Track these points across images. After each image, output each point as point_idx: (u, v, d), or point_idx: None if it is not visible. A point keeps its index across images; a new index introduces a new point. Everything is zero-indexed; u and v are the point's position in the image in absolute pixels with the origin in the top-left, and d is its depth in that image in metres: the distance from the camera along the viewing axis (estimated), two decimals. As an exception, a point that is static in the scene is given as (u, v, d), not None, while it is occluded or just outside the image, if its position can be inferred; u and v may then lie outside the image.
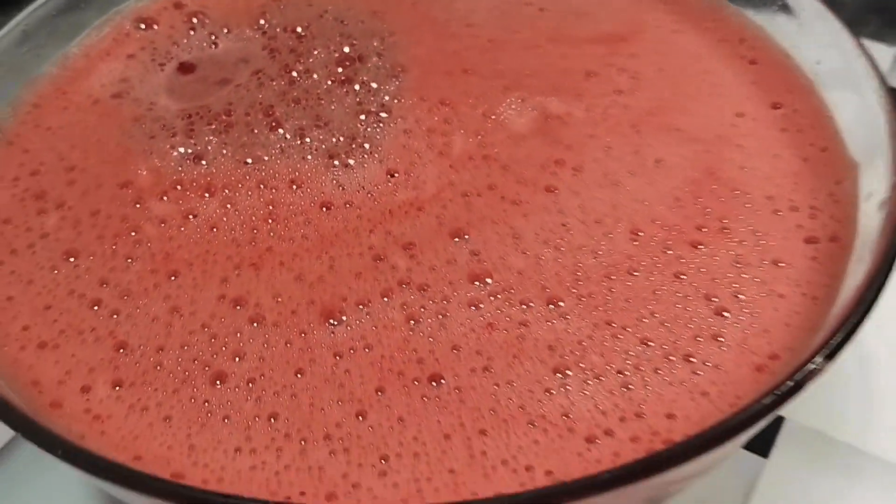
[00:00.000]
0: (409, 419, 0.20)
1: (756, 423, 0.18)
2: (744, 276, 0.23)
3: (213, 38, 0.31)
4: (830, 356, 0.18)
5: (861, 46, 0.25)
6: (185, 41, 0.31)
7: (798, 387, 0.18)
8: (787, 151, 0.26)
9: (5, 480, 0.27)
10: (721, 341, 0.22)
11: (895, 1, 0.44)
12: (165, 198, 0.25)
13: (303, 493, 0.19)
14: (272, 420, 0.21)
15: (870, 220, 0.22)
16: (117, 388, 0.21)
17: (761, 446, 0.28)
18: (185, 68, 0.30)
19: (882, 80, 0.24)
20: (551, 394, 0.21)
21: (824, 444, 0.28)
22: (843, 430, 0.28)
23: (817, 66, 0.27)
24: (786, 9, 0.28)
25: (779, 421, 0.29)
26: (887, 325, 0.30)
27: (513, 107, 0.27)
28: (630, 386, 0.21)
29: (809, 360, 0.18)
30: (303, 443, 0.20)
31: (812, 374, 0.18)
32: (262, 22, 0.31)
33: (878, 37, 0.42)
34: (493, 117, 0.27)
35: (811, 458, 0.28)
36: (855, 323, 0.19)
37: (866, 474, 0.27)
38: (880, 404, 0.29)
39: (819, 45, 0.26)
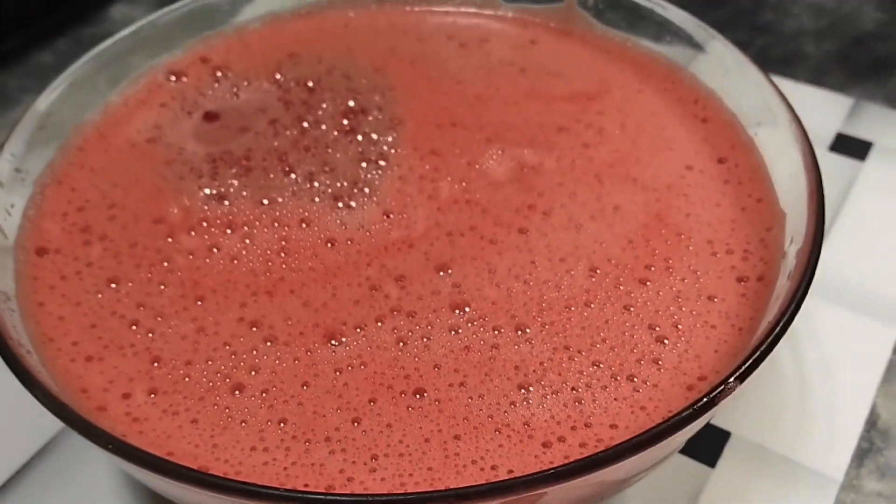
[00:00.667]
0: (396, 425, 0.24)
1: (677, 432, 0.22)
2: (683, 309, 0.27)
3: (235, 89, 0.35)
4: (741, 378, 0.22)
5: (793, 113, 0.29)
6: (210, 92, 0.35)
7: (713, 403, 0.22)
8: (727, 201, 0.30)
9: (47, 475, 0.32)
10: (660, 364, 0.26)
11: (857, 52, 0.49)
12: (193, 233, 0.30)
13: (306, 485, 0.23)
14: (282, 424, 0.25)
15: (790, 263, 0.26)
16: (153, 395, 0.25)
17: (709, 458, 0.32)
18: (210, 116, 0.34)
19: (809, 146, 0.28)
20: (515, 406, 0.25)
21: (763, 456, 0.32)
22: (780, 443, 0.32)
23: (758, 126, 0.31)
24: (734, 76, 0.32)
25: (726, 435, 0.33)
26: (824, 352, 0.35)
27: (493, 157, 0.31)
28: (581, 401, 0.25)
29: (724, 381, 0.22)
30: (307, 443, 0.24)
31: (725, 393, 0.22)
32: (277, 76, 0.35)
33: (839, 87, 0.46)
34: (477, 166, 0.31)
35: (751, 468, 0.32)
36: (764, 351, 0.23)
37: (799, 483, 0.31)
38: (812, 421, 0.33)
39: (759, 109, 0.31)
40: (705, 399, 0.22)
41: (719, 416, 0.33)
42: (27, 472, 0.32)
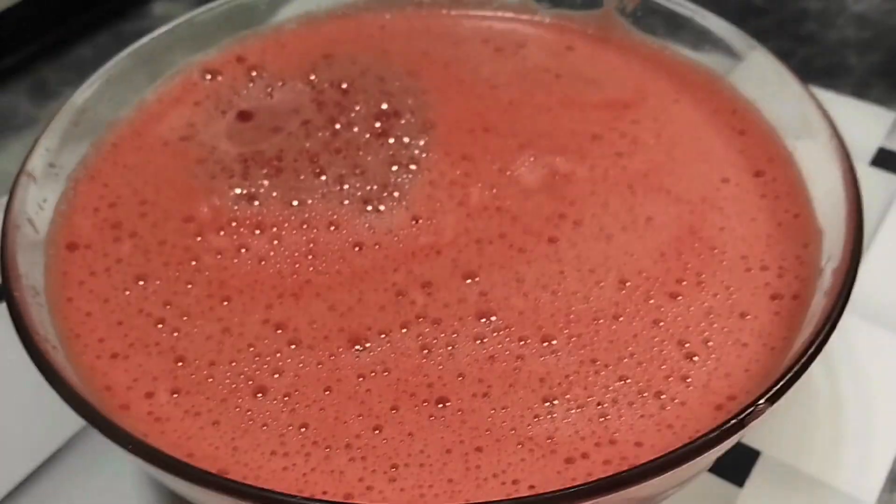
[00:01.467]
0: (418, 434, 0.24)
1: (704, 454, 0.21)
2: (714, 325, 0.26)
3: (269, 89, 0.35)
4: (772, 400, 0.22)
5: (834, 128, 0.28)
6: (245, 92, 0.35)
7: (741, 424, 0.21)
8: (763, 215, 0.29)
9: (69, 471, 0.32)
10: (688, 382, 0.25)
11: (901, 66, 0.47)
12: (222, 232, 0.29)
13: (325, 493, 0.23)
14: (303, 429, 0.24)
15: (826, 282, 0.26)
16: (175, 395, 0.25)
17: (738, 476, 0.31)
18: (244, 116, 0.34)
19: (849, 162, 0.27)
20: (539, 419, 0.24)
21: (793, 477, 0.31)
22: (811, 464, 0.31)
23: (797, 141, 0.30)
24: (773, 87, 0.31)
25: (755, 454, 0.32)
26: (859, 372, 0.34)
27: (525, 164, 0.31)
28: (607, 416, 0.24)
29: (754, 403, 0.22)
30: (327, 450, 0.24)
31: (754, 415, 0.22)
32: (311, 77, 0.35)
33: (881, 101, 0.45)
34: (508, 173, 0.31)
35: (780, 489, 0.31)
36: (796, 373, 0.22)
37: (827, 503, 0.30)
38: (845, 443, 0.32)
39: (799, 122, 0.30)
40: (734, 420, 0.21)
41: (749, 435, 0.32)
42: (49, 468, 0.32)
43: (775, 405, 0.22)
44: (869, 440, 0.32)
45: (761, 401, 0.22)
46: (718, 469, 0.31)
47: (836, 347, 0.35)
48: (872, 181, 0.41)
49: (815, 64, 0.48)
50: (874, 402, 0.33)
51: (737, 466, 0.31)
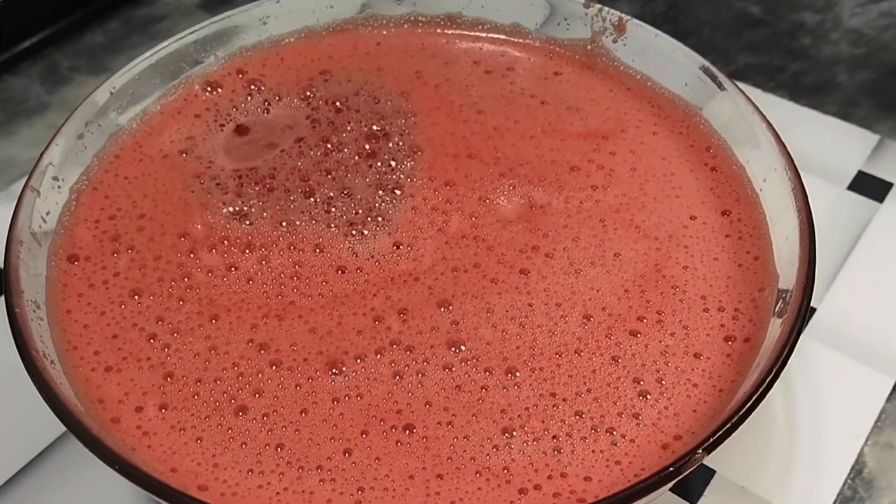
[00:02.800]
0: (384, 459, 0.26)
1: (645, 496, 0.23)
2: (668, 364, 0.28)
3: (267, 104, 0.36)
4: (709, 450, 0.24)
5: (799, 179, 0.30)
6: (243, 105, 0.36)
7: (678, 472, 0.23)
8: (725, 255, 0.31)
9: (53, 472, 0.34)
10: (639, 419, 0.27)
11: (890, 86, 0.48)
12: (214, 250, 0.31)
13: (295, 511, 0.25)
14: (279, 449, 0.26)
15: (774, 329, 0.27)
16: (163, 410, 0.27)
17: (691, 495, 0.33)
18: (241, 130, 0.36)
19: (808, 213, 0.29)
20: (498, 449, 0.26)
21: (745, 498, 0.33)
22: (763, 485, 0.33)
23: (763, 182, 0.32)
24: (744, 129, 0.32)
25: (710, 473, 0.34)
26: (817, 395, 0.35)
27: (504, 193, 0.33)
28: (560, 450, 0.26)
29: (691, 452, 0.24)
30: (300, 470, 0.26)
31: (691, 463, 0.23)
32: (308, 93, 0.37)
33: (866, 121, 0.46)
34: (487, 201, 0.32)
35: (731, 508, 0.33)
36: (733, 425, 0.24)
37: (773, 527, 0.32)
38: (797, 465, 0.34)
39: (766, 166, 0.31)
40: (671, 468, 0.23)
41: (706, 455, 0.34)
42: (32, 469, 0.33)
43: (711, 453, 0.24)
44: (820, 463, 0.34)
45: (699, 450, 0.23)
46: (674, 487, 0.33)
47: (796, 369, 0.36)
48: (849, 205, 0.42)
49: (805, 80, 0.49)
50: (828, 425, 0.35)
51: (692, 484, 0.33)
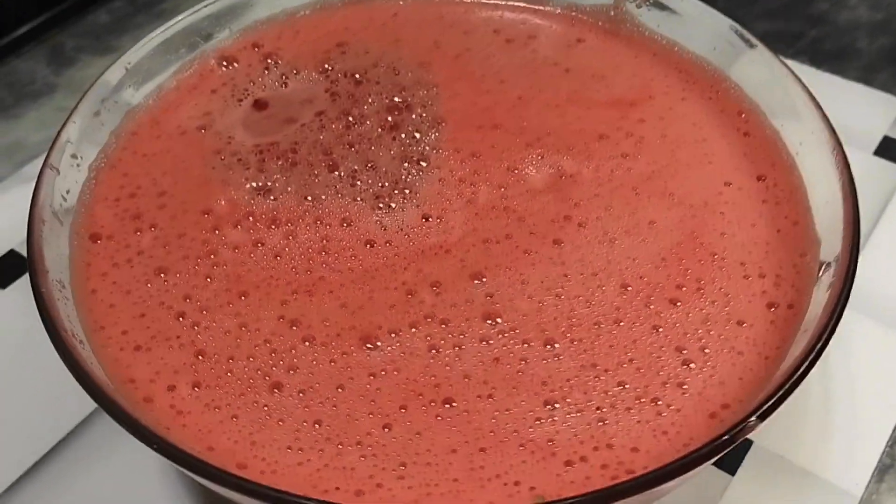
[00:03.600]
0: (425, 433, 0.26)
1: (694, 468, 0.23)
2: (711, 332, 0.27)
3: (284, 78, 0.36)
4: (762, 417, 0.23)
5: (837, 140, 0.29)
6: (261, 79, 0.36)
7: (731, 441, 0.23)
8: (763, 221, 0.30)
9: (81, 453, 0.33)
10: (684, 388, 0.26)
11: (911, 50, 0.48)
12: (239, 227, 0.31)
13: (337, 489, 0.25)
14: (316, 425, 0.26)
15: (820, 294, 0.27)
16: (196, 388, 0.27)
17: (730, 465, 0.33)
18: (260, 105, 0.35)
19: (849, 173, 0.28)
20: (541, 422, 0.26)
21: (783, 467, 0.33)
22: (801, 454, 0.33)
23: (800, 146, 0.31)
24: (778, 92, 0.32)
25: (747, 444, 0.33)
26: (852, 364, 0.35)
27: (533, 163, 0.32)
28: (605, 421, 0.26)
29: (744, 420, 0.23)
30: (339, 446, 0.25)
31: (744, 431, 0.23)
32: (326, 66, 0.36)
33: (888, 86, 0.46)
34: (516, 172, 0.32)
35: (771, 478, 0.32)
36: (787, 390, 0.23)
37: (817, 495, 0.32)
38: (835, 435, 0.33)
39: (803, 129, 0.30)
40: (725, 437, 0.23)
41: (741, 425, 0.33)
42: (61, 450, 0.33)
43: (765, 421, 0.23)
44: (858, 432, 0.33)
45: (752, 418, 0.23)
46: (711, 458, 0.33)
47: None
48: (875, 171, 0.42)
49: (825, 46, 0.48)
50: (864, 394, 0.34)
51: (729, 455, 0.33)
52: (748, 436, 0.33)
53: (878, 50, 0.48)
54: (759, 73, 0.32)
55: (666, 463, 0.23)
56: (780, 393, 0.23)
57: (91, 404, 0.34)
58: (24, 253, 0.39)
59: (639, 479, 0.22)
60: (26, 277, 0.39)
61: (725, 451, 0.23)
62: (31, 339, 0.36)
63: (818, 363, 0.35)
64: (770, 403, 0.23)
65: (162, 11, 0.53)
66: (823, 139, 0.29)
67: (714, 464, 0.32)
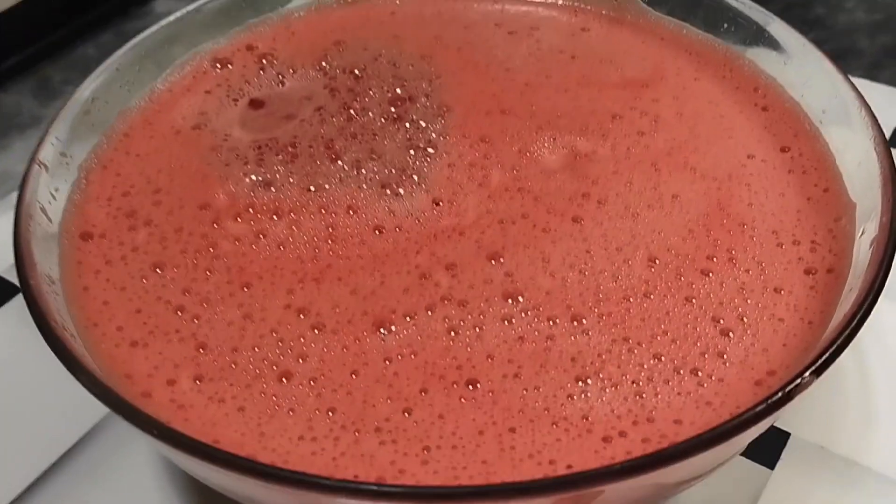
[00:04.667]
0: (449, 416, 0.24)
1: (749, 428, 0.21)
2: (748, 301, 0.26)
3: (281, 77, 0.34)
4: (818, 372, 0.21)
5: (862, 99, 0.28)
6: (256, 80, 0.34)
7: (788, 397, 0.21)
8: (791, 191, 0.28)
9: (86, 465, 0.31)
10: (725, 358, 0.24)
11: (913, 47, 0.47)
12: (239, 219, 0.29)
13: (356, 476, 0.22)
14: (330, 413, 0.24)
15: (862, 255, 0.25)
16: (198, 381, 0.25)
17: (768, 459, 0.31)
18: (256, 104, 0.33)
19: (880, 130, 0.27)
20: (573, 399, 0.24)
21: (825, 458, 0.31)
22: (842, 445, 0.31)
23: (823, 114, 0.30)
24: (796, 62, 0.31)
25: (785, 436, 0.31)
26: (887, 349, 0.33)
27: (545, 145, 0.31)
28: (643, 394, 0.24)
29: (800, 375, 0.21)
30: (356, 433, 0.23)
31: (800, 388, 0.21)
32: (323, 64, 0.35)
33: (894, 83, 0.45)
34: (528, 154, 0.30)
35: (812, 470, 0.30)
36: (841, 344, 0.22)
37: (861, 485, 0.30)
38: (876, 423, 0.31)
39: (824, 95, 0.29)
40: (780, 393, 0.21)
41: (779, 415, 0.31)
42: (67, 462, 0.31)
43: (820, 377, 0.21)
44: (900, 420, 0.32)
45: (807, 373, 0.21)
46: (748, 452, 0.31)
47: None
48: (890, 162, 0.40)
49: (825, 47, 0.47)
50: (903, 380, 0.33)
51: (767, 449, 0.31)
52: (783, 427, 0.31)
53: (881, 48, 0.47)
54: (773, 46, 0.31)
55: (724, 420, 0.21)
56: (834, 348, 0.22)
57: (90, 420, 0.32)
58: (12, 278, 0.37)
59: (703, 436, 0.20)
60: (15, 300, 0.37)
61: (781, 409, 0.21)
62: (24, 359, 0.34)
63: (850, 347, 0.33)
64: (825, 358, 0.21)
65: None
66: (849, 100, 0.28)
67: (752, 458, 0.31)
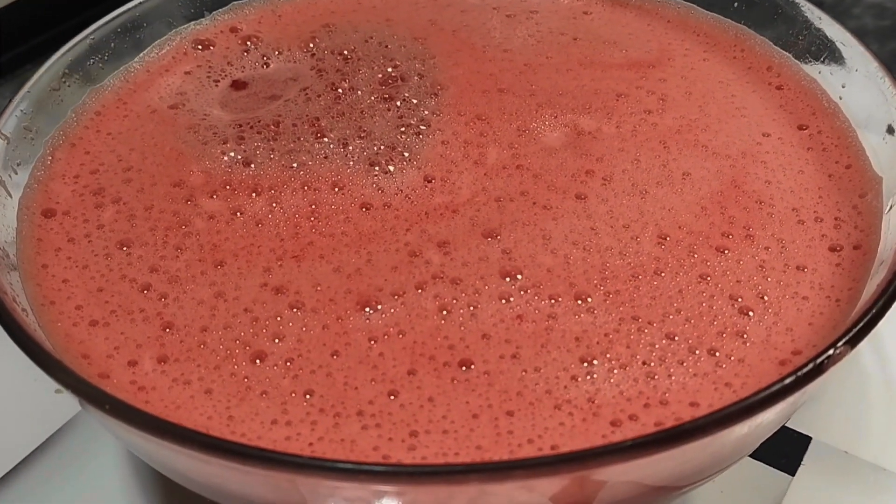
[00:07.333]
0: (439, 399, 0.21)
1: (778, 402, 0.18)
2: (768, 279, 0.23)
3: (265, 59, 0.32)
4: (852, 343, 0.19)
5: (886, 68, 0.26)
6: (239, 61, 0.32)
7: (819, 370, 0.19)
8: (811, 168, 0.26)
9: (52, 466, 0.28)
10: (745, 338, 0.22)
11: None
12: (215, 196, 0.27)
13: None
14: (308, 396, 0.21)
15: (892, 229, 0.23)
16: (162, 363, 0.22)
17: (789, 464, 0.28)
18: (238, 85, 0.31)
19: (904, 100, 0.25)
20: (577, 380, 0.21)
21: (848, 463, 0.28)
22: (867, 449, 0.28)
23: (842, 89, 0.28)
24: (812, 36, 0.29)
25: (806, 441, 0.29)
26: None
27: (546, 123, 0.28)
28: (655, 376, 0.21)
29: (832, 345, 0.19)
30: (336, 417, 0.21)
31: (833, 360, 0.19)
32: (311, 46, 0.33)
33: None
34: (527, 132, 0.28)
35: (835, 475, 0.28)
36: (876, 314, 0.20)
37: (890, 492, 0.27)
38: (905, 425, 0.29)
39: (845, 70, 0.28)
40: (811, 364, 0.18)
41: (798, 419, 0.29)
42: (31, 463, 0.29)
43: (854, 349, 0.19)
44: (928, 424, 0.29)
45: (840, 343, 0.19)
46: (768, 457, 0.28)
47: (885, 328, 0.32)
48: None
49: (835, 51, 0.46)
50: (930, 384, 0.30)
51: (787, 453, 0.28)
52: (804, 432, 0.29)
53: (891, 53, 0.46)
54: (787, 21, 0.30)
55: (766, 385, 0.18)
56: (869, 317, 0.19)
57: (61, 419, 0.30)
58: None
59: (730, 407, 0.18)
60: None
61: (815, 381, 0.18)
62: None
63: (873, 351, 0.31)
64: (860, 327, 0.19)
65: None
66: (871, 71, 0.26)
67: (774, 466, 0.28)
